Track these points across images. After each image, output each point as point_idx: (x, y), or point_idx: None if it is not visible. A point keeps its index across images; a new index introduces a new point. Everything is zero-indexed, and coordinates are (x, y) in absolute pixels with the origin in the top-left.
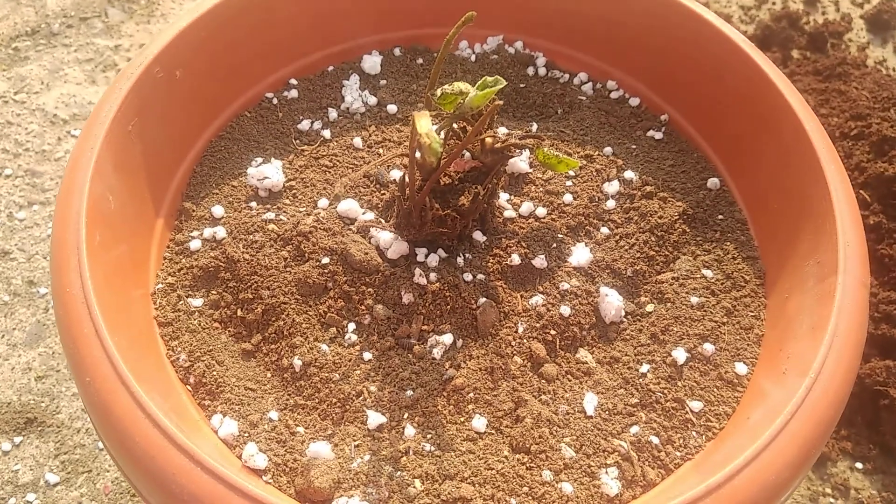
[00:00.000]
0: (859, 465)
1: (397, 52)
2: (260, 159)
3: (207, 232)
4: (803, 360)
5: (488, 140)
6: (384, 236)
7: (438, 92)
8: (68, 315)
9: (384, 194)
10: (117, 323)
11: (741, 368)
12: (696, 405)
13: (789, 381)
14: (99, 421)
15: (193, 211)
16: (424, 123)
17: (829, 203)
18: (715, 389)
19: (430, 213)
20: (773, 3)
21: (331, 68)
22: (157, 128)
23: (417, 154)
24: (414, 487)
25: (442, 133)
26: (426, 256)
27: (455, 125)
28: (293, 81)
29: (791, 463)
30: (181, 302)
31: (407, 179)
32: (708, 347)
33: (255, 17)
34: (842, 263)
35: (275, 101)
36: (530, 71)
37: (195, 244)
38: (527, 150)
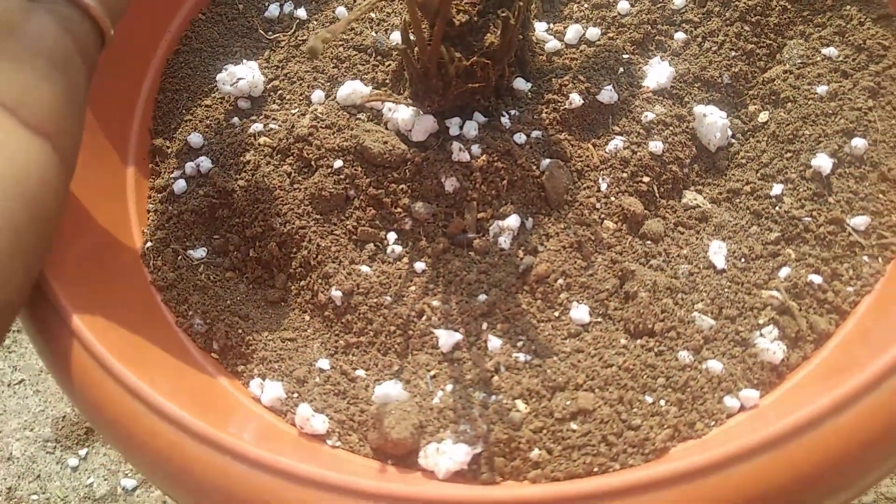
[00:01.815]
0: None
1: None
2: (231, 65)
3: (189, 167)
4: None
5: None
6: (402, 115)
7: None
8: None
9: (389, 65)
10: (91, 304)
11: None
12: (860, 221)
13: None
14: (107, 433)
15: (167, 147)
16: None
17: None
18: (881, 195)
19: (453, 67)
20: None
21: None
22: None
23: None
24: (518, 411)
25: None
26: (461, 127)
27: None
28: None
29: None
30: (180, 257)
31: (412, 29)
32: (857, 143)
33: None
34: None
35: None
36: None
37: (179, 185)
38: None
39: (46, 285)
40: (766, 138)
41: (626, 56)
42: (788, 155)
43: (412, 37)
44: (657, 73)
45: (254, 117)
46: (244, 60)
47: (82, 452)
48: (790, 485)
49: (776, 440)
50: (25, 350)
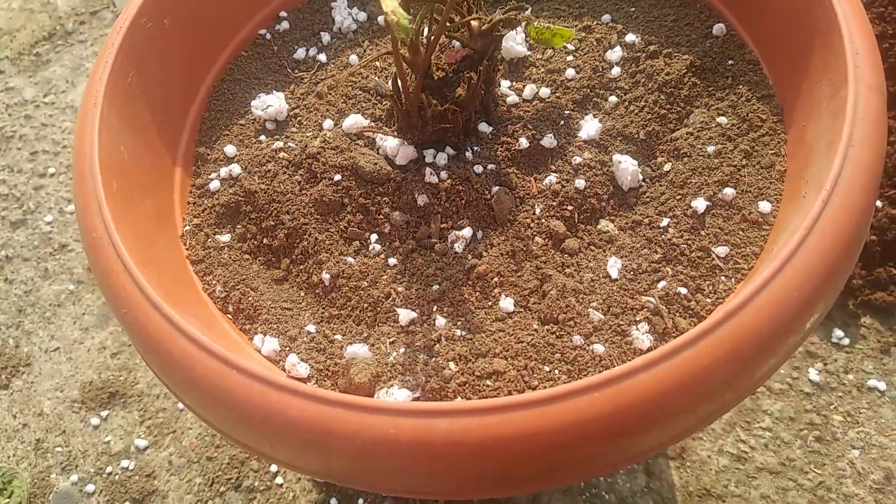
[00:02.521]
0: None
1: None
2: (263, 94)
3: (223, 171)
4: (820, 177)
5: (474, 24)
6: (390, 143)
7: None
8: (98, 256)
9: (385, 104)
10: (147, 261)
11: (765, 206)
12: (722, 250)
13: (808, 202)
14: (140, 345)
15: (208, 155)
16: (389, 2)
17: (833, 14)
18: (740, 232)
19: (430, 111)
20: None
21: None
22: (157, 79)
23: (403, 52)
24: (449, 370)
25: (426, 24)
26: (434, 157)
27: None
28: (283, 14)
29: (812, 277)
30: (209, 239)
31: (399, 79)
32: (728, 192)
33: None
34: (851, 72)
35: (268, 36)
36: None
37: (214, 185)
38: (519, 28)
39: (114, 241)
40: (666, 184)
41: (567, 112)
42: (678, 197)
43: (400, 85)
44: (589, 126)
45: (277, 136)
46: (274, 91)
47: (104, 414)
48: (612, 414)
49: (603, 383)
50: (63, 322)
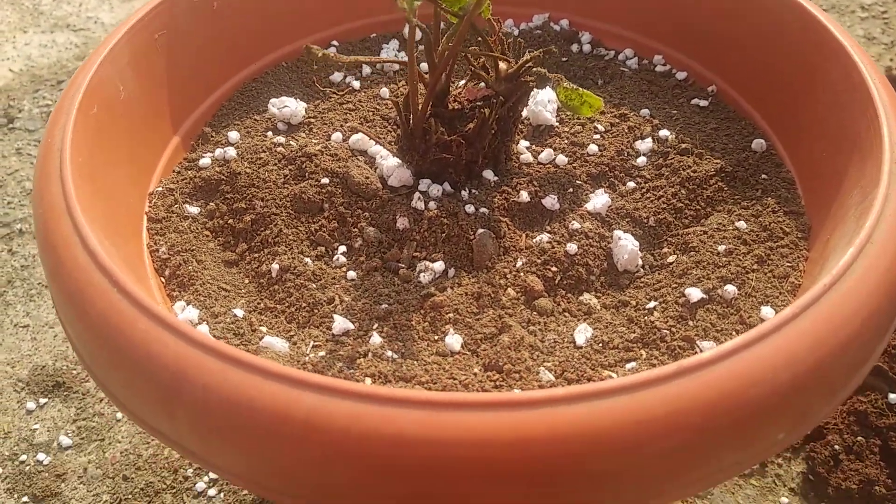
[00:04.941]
0: None
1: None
2: (285, 97)
3: (219, 152)
4: (826, 272)
5: (502, 66)
6: (389, 163)
7: None
8: (45, 174)
9: (399, 130)
10: (96, 202)
11: (768, 313)
12: (708, 345)
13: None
14: (49, 265)
15: (211, 136)
16: None
17: (876, 122)
18: (734, 332)
19: (435, 137)
20: None
21: (374, 35)
22: (189, 52)
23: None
24: (363, 384)
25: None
26: (428, 187)
27: (474, 61)
28: (335, 43)
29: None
30: (177, 205)
31: (411, 96)
32: (730, 289)
33: None
34: (885, 177)
35: None
36: (574, 47)
37: (205, 161)
38: (552, 98)
39: (65, 179)
40: (666, 273)
41: (578, 182)
42: (674, 285)
43: (410, 103)
44: (597, 200)
45: (283, 135)
46: (297, 100)
47: (42, 401)
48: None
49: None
50: (44, 303)
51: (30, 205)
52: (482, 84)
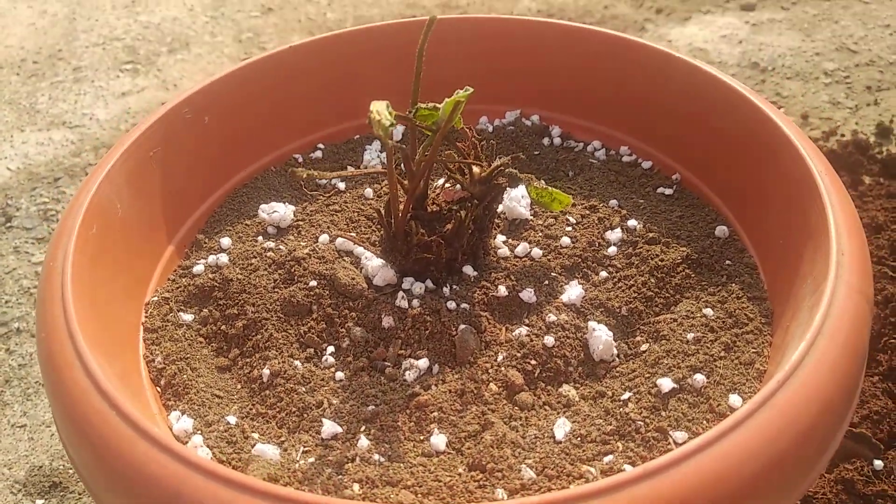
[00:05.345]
0: None
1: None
2: (274, 202)
3: (212, 259)
4: (783, 366)
5: (475, 169)
6: (373, 263)
7: (416, 109)
8: (48, 296)
9: (382, 232)
10: (92, 315)
11: (735, 401)
12: (680, 436)
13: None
14: (50, 384)
15: (204, 242)
16: (379, 106)
17: (824, 215)
18: (704, 422)
19: (416, 237)
20: (842, 136)
21: (357, 136)
22: (182, 165)
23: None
24: (351, 490)
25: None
26: (412, 285)
27: (449, 163)
28: (321, 146)
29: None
30: (171, 314)
31: (391, 201)
32: (699, 378)
33: (289, 88)
34: (833, 271)
35: (300, 159)
36: (545, 141)
37: (198, 268)
38: (525, 193)
39: (66, 301)
40: (640, 362)
41: (553, 274)
42: (647, 375)
43: (391, 208)
44: (572, 291)
45: (273, 239)
46: (286, 203)
47: (38, 503)
48: None
49: None
50: (40, 402)
51: (32, 309)
52: (458, 186)
